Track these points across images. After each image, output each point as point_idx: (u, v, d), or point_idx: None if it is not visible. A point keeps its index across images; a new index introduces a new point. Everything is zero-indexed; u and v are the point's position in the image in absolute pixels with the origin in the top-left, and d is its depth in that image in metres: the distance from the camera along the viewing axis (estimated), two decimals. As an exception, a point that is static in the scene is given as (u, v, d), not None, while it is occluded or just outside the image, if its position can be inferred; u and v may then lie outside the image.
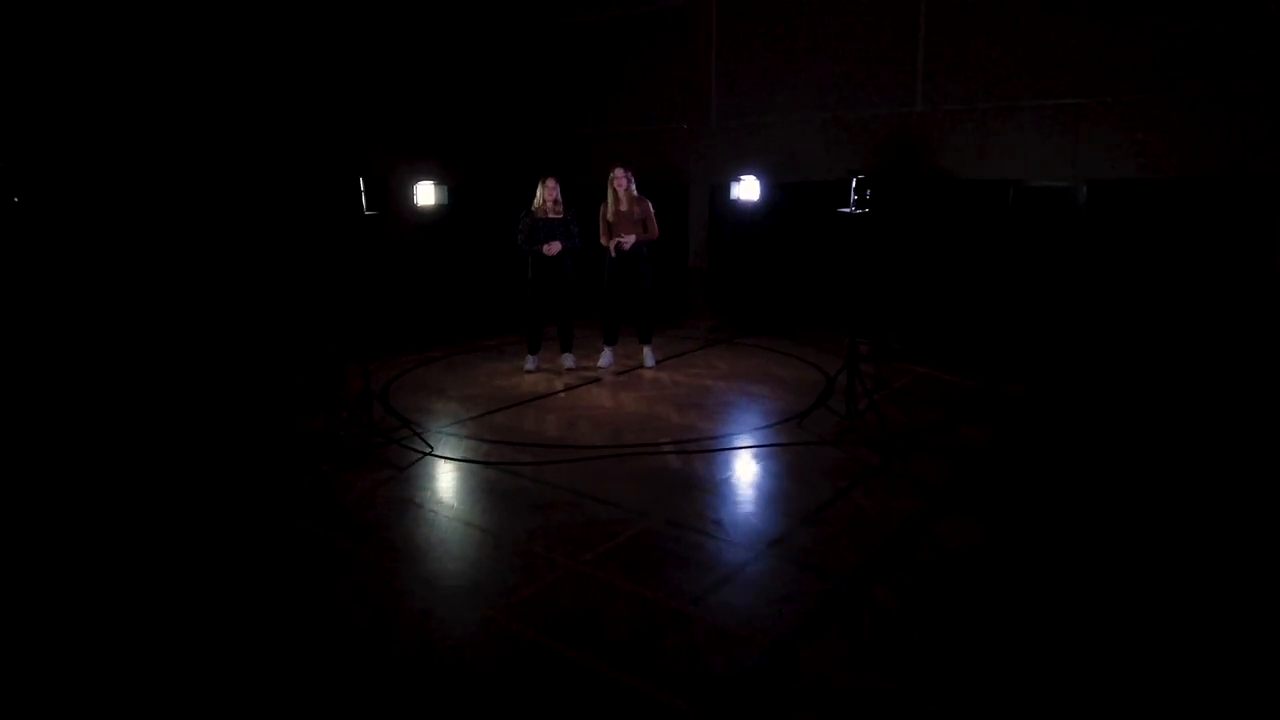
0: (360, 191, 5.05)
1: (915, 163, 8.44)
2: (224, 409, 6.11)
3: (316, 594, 3.42)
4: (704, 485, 4.58)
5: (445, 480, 4.72)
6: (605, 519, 4.09)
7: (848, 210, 5.28)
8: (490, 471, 4.80)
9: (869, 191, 5.31)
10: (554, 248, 6.78)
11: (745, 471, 4.83)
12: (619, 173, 6.95)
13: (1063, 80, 7.51)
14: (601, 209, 7.08)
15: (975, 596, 3.32)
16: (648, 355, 7.34)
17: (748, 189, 8.31)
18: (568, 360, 7.23)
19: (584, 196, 7.49)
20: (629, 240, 6.92)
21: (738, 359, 7.66)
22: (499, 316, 9.46)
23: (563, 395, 6.46)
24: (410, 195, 7.85)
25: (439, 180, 8.25)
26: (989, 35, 7.86)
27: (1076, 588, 3.37)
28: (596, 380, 6.89)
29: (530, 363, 7.17)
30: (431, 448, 5.15)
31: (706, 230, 10.24)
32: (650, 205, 7.07)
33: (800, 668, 2.85)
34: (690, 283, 10.42)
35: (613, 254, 6.96)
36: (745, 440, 5.35)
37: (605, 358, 7.35)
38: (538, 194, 6.89)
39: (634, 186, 7.00)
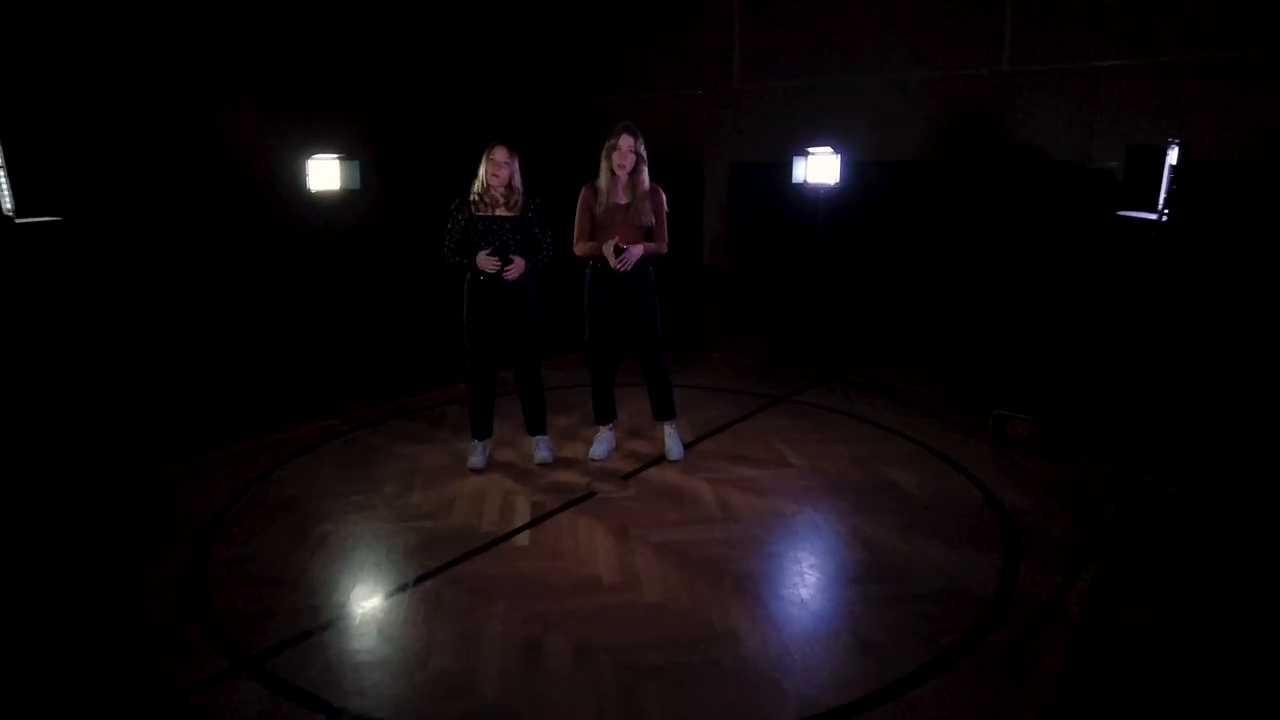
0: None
1: (996, 138, 5.63)
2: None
3: None
4: None
5: None
6: None
7: (1152, 217, 2.38)
8: None
9: (1174, 183, 2.41)
10: (499, 265, 3.87)
11: None
12: (625, 142, 3.95)
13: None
14: (583, 197, 4.10)
15: None
16: (671, 441, 4.44)
17: (821, 169, 5.41)
18: (540, 450, 4.35)
19: (566, 179, 4.60)
20: (634, 253, 4.00)
21: (817, 439, 4.77)
22: (443, 355, 6.55)
23: (525, 540, 3.58)
24: (301, 175, 5.05)
25: (347, 155, 5.45)
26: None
27: None
28: (587, 496, 4.01)
29: (477, 455, 4.28)
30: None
31: (725, 219, 7.38)
32: (665, 201, 4.14)
33: None
34: (706, 285, 7.52)
35: (614, 264, 4.01)
36: None
37: (600, 445, 4.45)
38: (480, 172, 3.95)
39: (646, 171, 4.05)
